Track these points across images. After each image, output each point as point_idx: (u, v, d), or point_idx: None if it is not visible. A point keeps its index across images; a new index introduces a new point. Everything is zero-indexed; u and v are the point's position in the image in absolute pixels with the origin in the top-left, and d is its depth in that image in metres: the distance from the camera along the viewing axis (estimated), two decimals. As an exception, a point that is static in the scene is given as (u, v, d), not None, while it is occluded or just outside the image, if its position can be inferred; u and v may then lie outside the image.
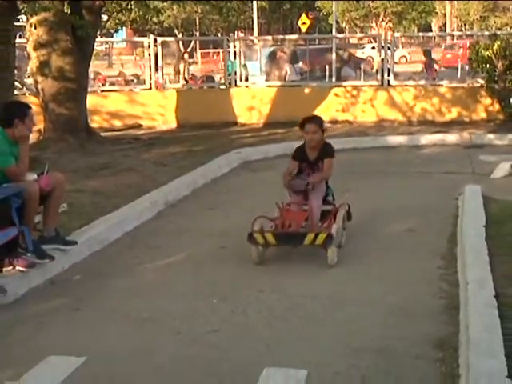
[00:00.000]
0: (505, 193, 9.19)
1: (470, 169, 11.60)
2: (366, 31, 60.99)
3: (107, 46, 34.02)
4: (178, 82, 23.33)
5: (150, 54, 18.48)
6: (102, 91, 19.02)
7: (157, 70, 18.35)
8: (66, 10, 13.64)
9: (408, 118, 17.07)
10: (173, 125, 17.65)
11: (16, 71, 13.14)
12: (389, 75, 17.37)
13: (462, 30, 59.23)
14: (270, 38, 24.88)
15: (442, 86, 17.67)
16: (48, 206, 6.82)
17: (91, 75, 18.00)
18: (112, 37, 37.08)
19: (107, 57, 39.83)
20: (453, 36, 41.49)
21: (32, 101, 12.99)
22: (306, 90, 18.00)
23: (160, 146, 14.16)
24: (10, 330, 5.52)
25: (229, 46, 18.89)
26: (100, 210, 8.51)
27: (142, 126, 17.65)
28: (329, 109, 17.28)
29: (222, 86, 18.78)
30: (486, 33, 19.83)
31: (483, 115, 16.77)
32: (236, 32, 46.52)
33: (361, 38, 37.76)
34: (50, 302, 6.08)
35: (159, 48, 18.41)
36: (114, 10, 19.22)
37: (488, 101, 16.70)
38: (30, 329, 5.52)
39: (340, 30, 55.13)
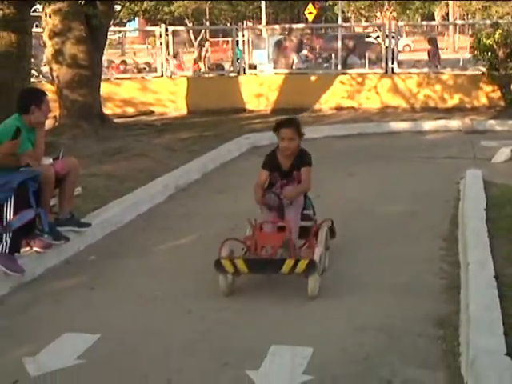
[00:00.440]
0: (505, 177, 9.17)
1: (472, 154, 11.55)
2: (370, 20, 60.58)
3: (120, 35, 33.87)
4: (198, 69, 23.32)
5: (161, 43, 18.46)
6: (116, 79, 18.99)
7: (175, 56, 18.31)
8: (80, 0, 13.61)
9: (411, 105, 17.01)
10: (183, 111, 17.64)
11: (32, 59, 13.14)
12: (393, 63, 17.32)
13: (464, 19, 58.77)
14: (277, 27, 24.75)
15: (445, 73, 17.58)
16: (63, 190, 6.84)
17: (105, 63, 17.99)
18: (125, 26, 37.03)
19: (120, 45, 39.72)
20: (455, 25, 41.18)
21: (48, 88, 12.98)
22: (313, 78, 17.95)
23: (171, 132, 14.15)
24: (27, 308, 5.55)
25: (237, 35, 18.85)
26: (113, 194, 8.53)
27: (153, 112, 17.64)
28: (334, 96, 17.28)
29: (232, 74, 18.73)
30: (488, 22, 19.70)
31: (484, 102, 16.71)
32: (244, 21, 46.38)
33: (366, 27, 37.56)
34: (65, 282, 6.11)
35: (170, 37, 18.38)
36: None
37: (489, 88, 16.62)
38: (46, 307, 5.56)
39: (346, 20, 54.82)
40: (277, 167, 6.11)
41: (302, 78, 17.96)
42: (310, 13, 35.25)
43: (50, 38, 13.97)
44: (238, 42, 18.98)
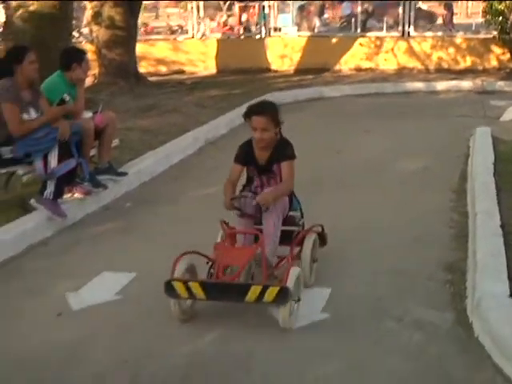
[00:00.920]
0: (512, 134, 9.07)
1: (482, 112, 11.39)
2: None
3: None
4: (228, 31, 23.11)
5: (192, 7, 18.30)
6: (149, 40, 18.88)
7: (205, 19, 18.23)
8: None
9: (426, 66, 16.80)
10: (213, 70, 17.54)
11: (74, 21, 13.09)
12: (409, 27, 17.05)
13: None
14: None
15: (458, 37, 17.30)
16: (102, 141, 6.86)
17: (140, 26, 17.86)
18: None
19: (155, 9, 39.36)
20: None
21: (88, 48, 12.93)
22: (334, 40, 17.72)
23: (201, 90, 14.08)
24: (69, 249, 5.62)
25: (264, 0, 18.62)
26: (148, 146, 8.54)
27: (184, 71, 17.55)
28: (354, 57, 17.11)
29: (258, 36, 18.53)
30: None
31: (495, 64, 16.48)
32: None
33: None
34: (103, 226, 6.17)
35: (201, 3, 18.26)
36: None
37: (500, 51, 16.38)
38: (86, 248, 5.62)
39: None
40: (252, 161, 4.71)
41: (324, 41, 17.74)
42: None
43: (90, 1, 13.89)
44: (264, 6, 18.72)
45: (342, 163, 7.98)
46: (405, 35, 17.04)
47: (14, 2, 10.81)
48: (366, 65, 17.10)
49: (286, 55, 17.51)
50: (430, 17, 19.92)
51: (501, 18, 15.64)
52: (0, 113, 6.00)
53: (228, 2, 29.28)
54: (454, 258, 5.04)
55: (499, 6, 15.57)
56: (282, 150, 4.60)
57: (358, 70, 16.82)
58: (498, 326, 3.70)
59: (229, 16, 22.74)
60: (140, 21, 15.98)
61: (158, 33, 21.11)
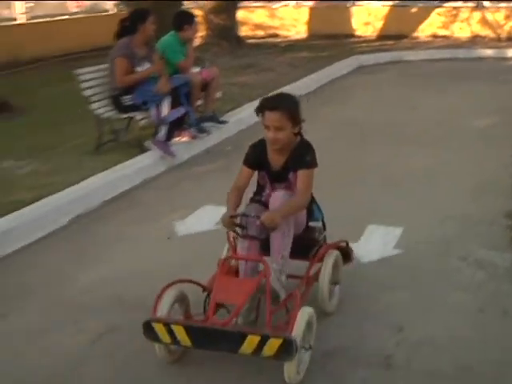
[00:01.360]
0: None
1: (548, 77, 10.79)
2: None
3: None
4: None
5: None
6: (249, 7, 18.66)
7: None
8: None
9: (498, 35, 15.94)
10: (303, 35, 17.23)
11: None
12: (484, -2, 16.20)
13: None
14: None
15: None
16: (207, 93, 6.90)
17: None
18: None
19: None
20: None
21: (197, 13, 12.89)
22: (413, 10, 17.05)
23: (293, 52, 13.86)
24: (176, 184, 5.73)
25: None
26: (246, 98, 8.51)
27: (278, 35, 17.32)
28: (431, 25, 16.43)
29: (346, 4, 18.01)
30: None
31: None
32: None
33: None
34: (206, 166, 6.24)
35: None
36: None
37: None
38: (191, 184, 5.71)
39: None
40: (265, 165, 3.37)
41: (404, 10, 17.04)
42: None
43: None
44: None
45: (417, 118, 7.77)
46: (479, 6, 16.18)
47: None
48: (441, 32, 16.39)
49: (370, 22, 16.96)
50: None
51: None
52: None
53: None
54: (516, 206, 4.85)
55: None
56: (301, 155, 3.26)
57: (434, 37, 16.16)
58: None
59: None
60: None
61: (257, 0, 20.88)
